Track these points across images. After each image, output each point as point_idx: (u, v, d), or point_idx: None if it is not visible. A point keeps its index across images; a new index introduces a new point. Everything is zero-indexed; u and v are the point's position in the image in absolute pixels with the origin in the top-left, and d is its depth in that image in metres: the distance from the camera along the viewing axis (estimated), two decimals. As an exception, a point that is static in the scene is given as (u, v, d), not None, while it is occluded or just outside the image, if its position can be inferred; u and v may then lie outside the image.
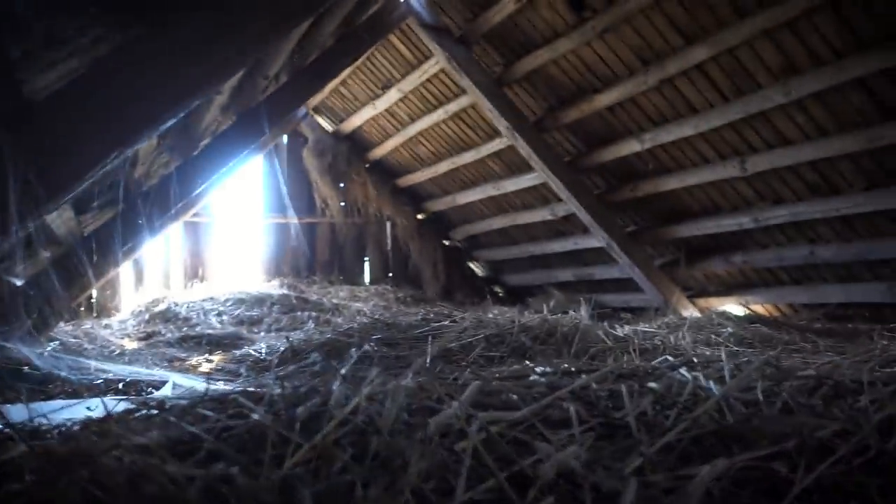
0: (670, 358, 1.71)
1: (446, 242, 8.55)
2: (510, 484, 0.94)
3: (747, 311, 5.34)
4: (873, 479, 0.84)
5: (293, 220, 8.13)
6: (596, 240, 5.91)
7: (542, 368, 1.52)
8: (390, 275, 8.60)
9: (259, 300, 6.44)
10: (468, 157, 6.77)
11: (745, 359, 1.71)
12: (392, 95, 6.76)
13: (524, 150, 5.69)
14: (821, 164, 4.27)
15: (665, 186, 5.22)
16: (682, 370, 1.36)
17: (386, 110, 7.14)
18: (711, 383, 1.24)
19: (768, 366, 1.38)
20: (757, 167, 4.50)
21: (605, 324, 3.46)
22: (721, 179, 4.85)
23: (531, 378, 1.41)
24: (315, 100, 7.74)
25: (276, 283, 7.67)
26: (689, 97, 4.57)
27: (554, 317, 3.22)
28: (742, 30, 3.88)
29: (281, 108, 4.94)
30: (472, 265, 8.62)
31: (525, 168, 6.13)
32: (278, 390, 1.17)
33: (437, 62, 5.82)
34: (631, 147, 5.14)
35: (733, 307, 5.48)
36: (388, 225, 8.58)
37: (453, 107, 6.30)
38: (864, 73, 3.61)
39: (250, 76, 4.74)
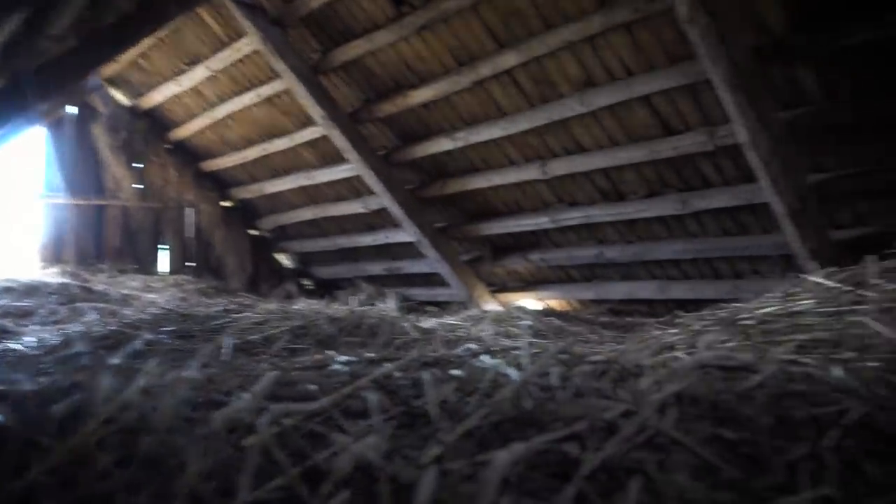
0: (473, 346, 1.74)
1: (253, 232, 8.17)
2: (304, 480, 0.88)
3: (543, 306, 5.70)
4: (652, 456, 0.89)
5: (78, 201, 7.29)
6: (407, 234, 5.97)
7: (344, 358, 1.46)
8: (191, 265, 8.04)
9: (32, 289, 5.67)
10: (280, 144, 6.51)
11: (540, 350, 1.80)
12: (199, 73, 6.31)
13: (339, 140, 5.59)
14: (611, 172, 4.66)
15: (473, 185, 5.41)
16: (484, 358, 1.38)
17: (192, 88, 6.65)
18: (511, 370, 1.26)
19: (563, 353, 1.45)
20: (556, 171, 4.81)
21: (412, 316, 3.49)
22: (524, 181, 5.12)
23: (332, 367, 1.35)
24: (110, 70, 7.01)
25: (55, 270, 6.82)
26: (499, 100, 4.76)
27: (361, 308, 3.18)
28: (548, 41, 4.11)
29: (66, 74, 4.36)
30: (279, 256, 8.33)
31: (339, 159, 6.02)
32: (30, 386, 0.99)
33: (250, 42, 5.53)
34: (444, 145, 5.25)
35: (531, 302, 5.83)
36: (190, 211, 8.01)
37: (266, 90, 6.02)
38: (649, 92, 4.00)
39: (28, 33, 4.14)
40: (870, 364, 1.16)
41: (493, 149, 5.11)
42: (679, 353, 1.56)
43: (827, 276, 1.76)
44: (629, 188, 4.68)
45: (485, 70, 4.53)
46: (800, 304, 1.63)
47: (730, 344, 1.55)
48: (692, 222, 4.62)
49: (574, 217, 5.04)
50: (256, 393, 1.03)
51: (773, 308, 1.71)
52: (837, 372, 1.15)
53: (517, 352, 1.47)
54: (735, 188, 4.19)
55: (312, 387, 1.16)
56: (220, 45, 5.94)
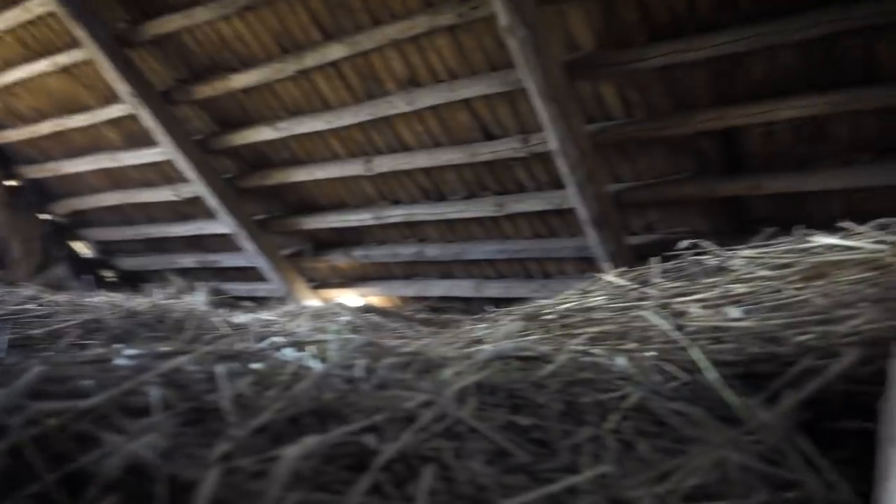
0: (278, 340, 1.68)
1: (45, 216, 7.32)
2: (65, 485, 0.78)
3: (365, 302, 5.69)
4: (449, 444, 0.90)
5: None
6: (223, 226, 5.67)
7: (132, 351, 1.33)
8: (-36, 251, 7.03)
9: None
10: (80, 120, 5.88)
11: (347, 343, 1.78)
12: (-21, 32, 5.53)
13: (148, 121, 5.17)
14: (433, 172, 4.76)
15: (296, 177, 5.26)
16: (287, 351, 1.33)
17: (-31, 48, 5.81)
18: (314, 362, 1.23)
19: (370, 345, 1.44)
20: (380, 168, 4.82)
21: (224, 311, 3.31)
22: (348, 176, 5.08)
23: (116, 362, 1.23)
24: None
25: None
26: (324, 93, 4.67)
27: (166, 302, 2.95)
28: (375, 36, 4.10)
29: None
30: (76, 244, 7.54)
31: (148, 141, 5.56)
32: None
33: (44, 3, 4.94)
34: (265, 134, 5.05)
35: (353, 298, 5.79)
36: (-35, 190, 6.99)
37: (64, 59, 5.40)
38: (471, 96, 4.13)
39: None
40: (647, 353, 1.28)
41: (318, 142, 5.00)
42: (485, 346, 1.62)
43: (618, 276, 1.91)
44: (450, 189, 4.81)
45: (310, 60, 4.42)
46: (594, 301, 1.77)
47: (532, 336, 1.64)
48: (507, 224, 4.85)
49: (397, 215, 5.08)
50: (14, 390, 0.90)
51: (571, 304, 1.84)
52: (621, 361, 1.26)
53: (324, 345, 1.43)
54: (546, 193, 4.46)
55: (88, 383, 1.04)
56: (8, 3, 5.24)
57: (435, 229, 5.13)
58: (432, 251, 5.18)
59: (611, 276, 1.81)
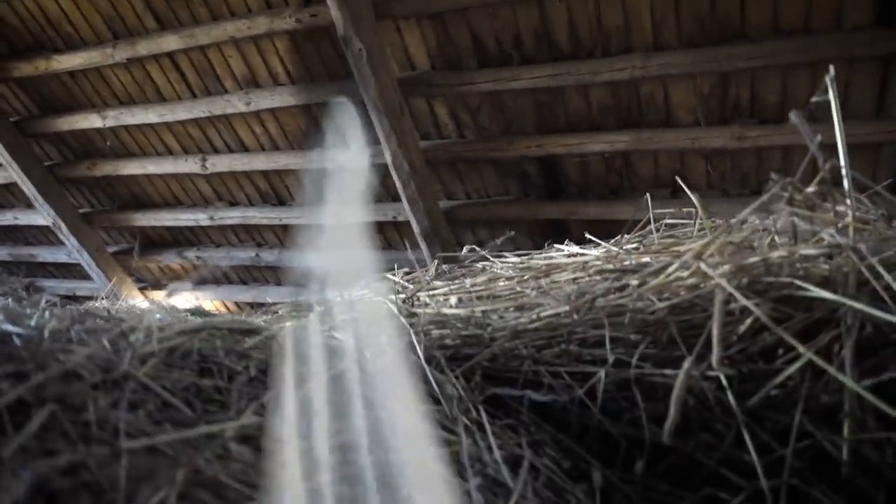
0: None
1: None
2: None
3: (197, 306, 5.48)
4: (107, 396, 0.89)
5: None
6: (41, 216, 5.27)
7: None
8: None
9: None
10: None
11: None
12: None
13: (-43, 96, 4.74)
14: (271, 175, 4.71)
15: (126, 170, 5.01)
16: None
17: None
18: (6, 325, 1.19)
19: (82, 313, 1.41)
20: (216, 167, 4.70)
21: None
22: (183, 173, 4.91)
23: None
24: None
25: None
26: (158, 84, 4.50)
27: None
28: (213, 32, 4.02)
29: None
30: None
31: (-43, 119, 5.09)
32: None
33: None
34: (92, 121, 4.77)
35: (185, 301, 5.57)
36: None
37: None
38: (310, 102, 4.15)
39: None
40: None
41: (150, 135, 4.80)
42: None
43: (401, 276, 2.01)
44: (288, 193, 4.78)
45: (143, 49, 4.24)
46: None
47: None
48: (344, 233, 4.88)
49: (233, 216, 4.97)
50: None
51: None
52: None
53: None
54: (383, 206, 4.54)
55: None
56: None
57: (272, 233, 5.07)
58: (269, 256, 5.11)
59: (394, 276, 1.90)
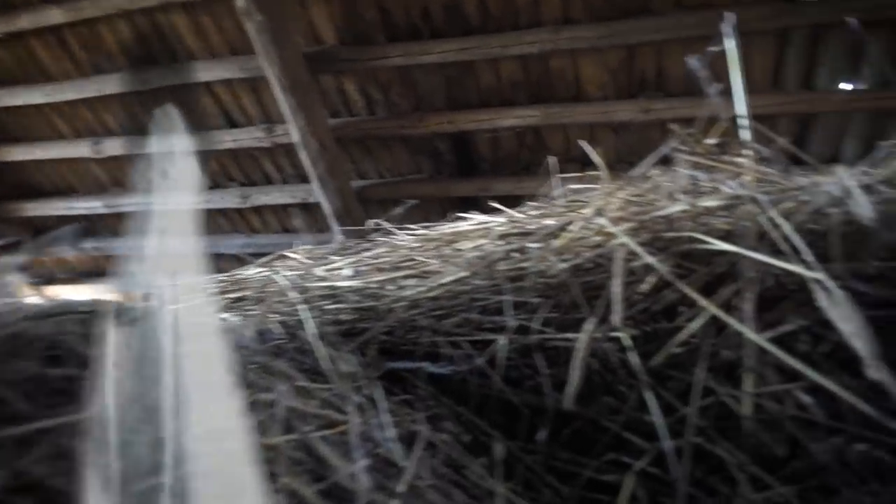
0: None
1: None
2: None
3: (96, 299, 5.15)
4: None
5: None
6: (-86, 208, 4.82)
7: None
8: None
9: None
10: None
11: None
12: None
13: None
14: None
15: (10, 157, 4.62)
16: None
17: None
18: None
19: None
20: (111, 151, 4.40)
21: None
22: (75, 158, 4.57)
23: None
24: None
25: None
26: (43, 61, 4.15)
27: None
28: (101, 4, 3.74)
29: None
30: None
31: None
32: None
33: None
34: (-32, 103, 4.38)
35: (86, 295, 5.22)
36: None
37: None
38: (212, 79, 3.93)
39: None
40: (271, 315, 1.27)
41: (37, 117, 4.44)
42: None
43: (303, 253, 1.90)
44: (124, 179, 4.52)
45: (25, 22, 3.91)
46: (266, 274, 1.74)
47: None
48: (254, 217, 4.69)
49: (132, 203, 4.66)
50: None
51: (248, 276, 1.79)
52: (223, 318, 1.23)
53: None
54: (292, 187, 4.38)
55: None
56: None
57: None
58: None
59: (296, 254, 1.78)
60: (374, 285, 1.17)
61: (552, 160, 1.56)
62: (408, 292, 1.14)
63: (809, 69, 3.29)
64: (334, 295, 1.21)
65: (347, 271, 1.24)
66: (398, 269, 1.25)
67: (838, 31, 3.13)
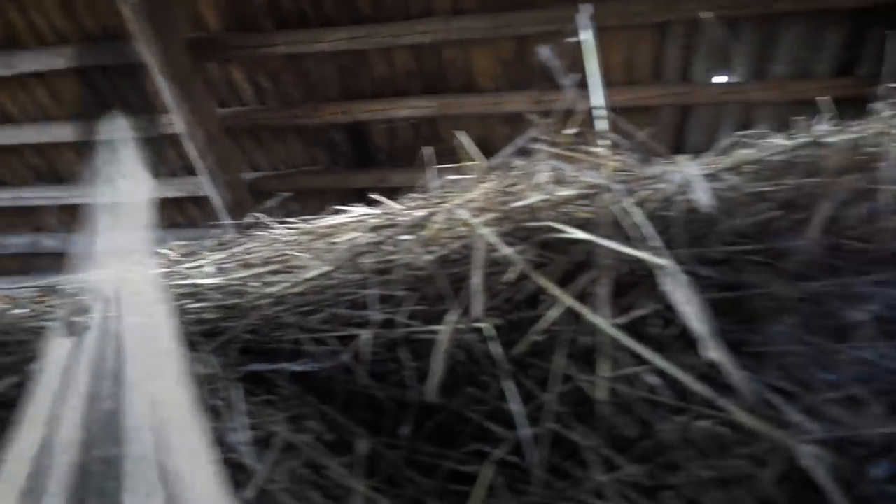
0: None
1: None
2: None
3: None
4: None
5: None
6: None
7: None
8: None
9: None
10: None
11: None
12: None
13: None
14: (46, 149, 4.16)
15: None
16: None
17: None
18: None
19: None
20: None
21: None
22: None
23: None
24: None
25: None
26: None
27: None
28: (-44, -20, 3.43)
29: None
30: None
31: None
32: None
33: None
34: None
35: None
36: None
37: None
38: (85, 65, 3.69)
39: None
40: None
41: None
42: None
43: (176, 249, 1.82)
44: (68, 169, 4.25)
45: None
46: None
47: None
48: (140, 212, 4.45)
49: (2, 198, 4.34)
50: None
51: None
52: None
53: None
54: (180, 179, 4.19)
55: None
56: None
57: (53, 216, 4.49)
58: (51, 241, 4.53)
59: (169, 250, 1.70)
60: (238, 282, 1.12)
61: (428, 151, 1.55)
62: (273, 288, 1.10)
63: (688, 62, 3.45)
64: (196, 293, 1.15)
65: (210, 268, 1.18)
66: (267, 264, 1.21)
67: (714, 25, 3.29)
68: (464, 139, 1.47)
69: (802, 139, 1.05)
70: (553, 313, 0.97)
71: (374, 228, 1.18)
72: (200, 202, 4.24)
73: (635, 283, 0.99)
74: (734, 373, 0.79)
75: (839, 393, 0.90)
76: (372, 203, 1.78)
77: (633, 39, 3.33)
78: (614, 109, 3.55)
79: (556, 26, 3.29)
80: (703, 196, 0.91)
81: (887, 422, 0.83)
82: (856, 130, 1.09)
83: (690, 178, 0.95)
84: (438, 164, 1.68)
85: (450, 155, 3.92)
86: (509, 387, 0.93)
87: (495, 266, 1.04)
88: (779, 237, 1.02)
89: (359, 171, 4.09)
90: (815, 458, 0.70)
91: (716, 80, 3.50)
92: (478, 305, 0.94)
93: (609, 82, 3.60)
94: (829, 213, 1.05)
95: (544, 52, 1.03)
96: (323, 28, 3.48)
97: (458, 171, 1.45)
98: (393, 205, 1.48)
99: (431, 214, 1.08)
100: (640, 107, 3.52)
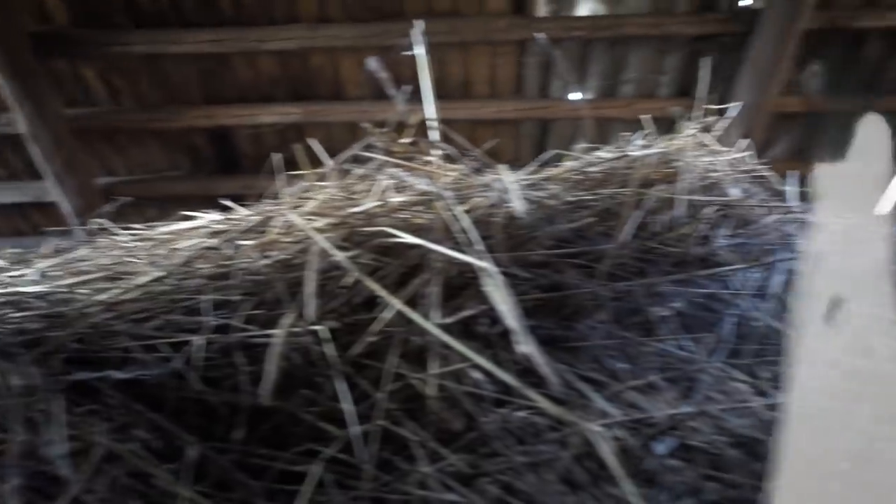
0: None
1: None
2: None
3: None
4: None
5: None
6: None
7: None
8: None
9: None
10: None
11: None
12: None
13: None
14: None
15: None
16: None
17: None
18: None
19: None
20: None
21: None
22: None
23: None
24: None
25: None
26: None
27: None
28: None
29: None
30: None
31: None
32: None
33: None
34: None
35: None
36: None
37: None
38: None
39: None
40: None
41: None
42: None
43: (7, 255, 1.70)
44: None
45: None
46: None
47: None
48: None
49: None
50: None
51: None
52: None
53: None
54: (23, 184, 3.90)
55: None
56: None
57: None
58: None
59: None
60: (65, 289, 1.07)
61: (276, 157, 1.55)
62: (103, 296, 1.07)
63: (546, 79, 3.64)
64: (18, 302, 1.10)
65: (33, 276, 1.13)
66: (102, 270, 1.16)
67: (568, 44, 3.50)
68: (315, 146, 1.48)
69: (614, 154, 1.16)
70: (386, 315, 1.01)
71: (213, 234, 1.17)
72: (47, 208, 3.96)
73: (465, 285, 1.05)
74: (543, 365, 0.86)
75: (640, 381, 1.00)
76: (224, 209, 1.76)
77: (496, 55, 3.47)
78: (479, 122, 3.67)
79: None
80: (518, 203, 0.98)
81: (676, 404, 0.94)
82: (662, 147, 1.21)
83: (508, 186, 1.02)
84: (293, 170, 1.69)
85: (316, 163, 3.91)
86: (342, 387, 0.95)
87: (335, 270, 1.07)
88: (594, 242, 1.12)
89: (224, 178, 3.98)
90: (602, 438, 0.78)
91: (571, 97, 3.72)
92: (311, 309, 0.96)
93: (473, 95, 3.74)
94: (639, 220, 1.16)
95: (373, 64, 1.07)
96: (184, 29, 3.37)
97: (306, 178, 1.46)
98: (242, 211, 1.48)
99: (268, 219, 1.09)
100: (504, 120, 3.67)
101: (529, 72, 3.62)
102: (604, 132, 3.80)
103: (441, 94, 3.77)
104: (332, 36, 3.38)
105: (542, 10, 3.43)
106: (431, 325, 0.94)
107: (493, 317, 1.04)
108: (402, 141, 1.12)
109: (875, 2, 3.31)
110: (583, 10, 3.48)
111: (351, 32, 3.35)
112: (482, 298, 1.04)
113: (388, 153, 1.09)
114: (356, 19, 3.34)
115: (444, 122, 3.97)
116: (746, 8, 3.29)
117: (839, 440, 0.70)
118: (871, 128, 0.76)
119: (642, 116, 1.61)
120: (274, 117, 3.67)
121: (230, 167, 3.99)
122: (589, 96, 3.78)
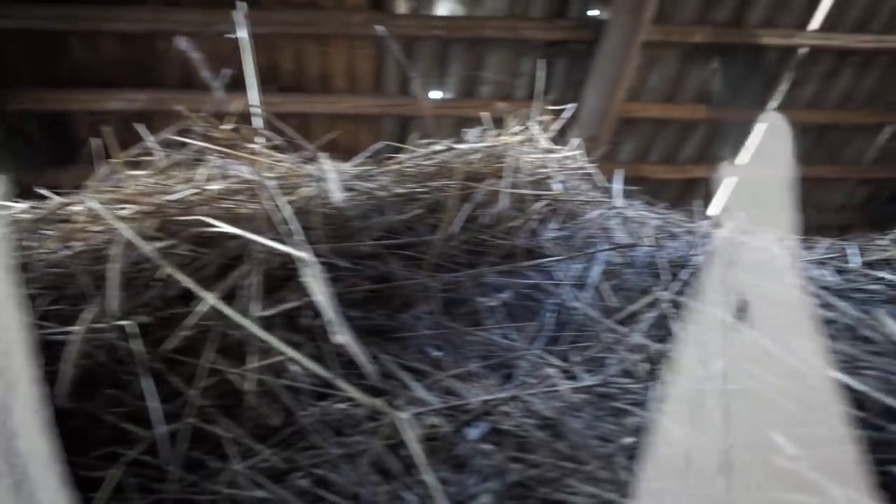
0: None
1: None
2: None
3: None
4: None
5: None
6: None
7: None
8: None
9: None
10: None
11: None
12: None
13: None
14: None
15: None
16: None
17: None
18: None
19: None
20: None
21: None
22: None
23: None
24: None
25: None
26: None
27: None
28: None
29: None
30: None
31: None
32: None
33: None
34: None
35: None
36: None
37: None
38: None
39: None
40: None
41: None
42: None
43: None
44: None
45: None
46: None
47: None
48: None
49: None
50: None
51: None
52: None
53: None
54: None
55: None
56: None
57: None
58: None
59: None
60: None
61: (96, 143, 1.45)
62: None
63: (406, 76, 3.66)
64: None
65: None
66: None
67: (428, 43, 3.54)
68: (107, 133, 1.40)
69: (444, 147, 1.18)
70: (201, 308, 0.96)
71: (13, 223, 1.07)
72: None
73: (288, 277, 1.03)
74: (359, 355, 0.85)
75: (461, 369, 1.02)
76: (41, 199, 1.62)
77: (354, 49, 3.45)
78: (338, 116, 3.62)
79: (273, 29, 3.29)
80: (336, 193, 0.97)
81: (492, 390, 0.96)
82: (492, 143, 1.25)
83: (328, 176, 1.01)
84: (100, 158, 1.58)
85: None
86: (149, 385, 0.90)
87: (147, 262, 1.01)
88: (422, 233, 1.13)
89: (62, 170, 3.66)
90: (409, 426, 0.79)
91: (431, 95, 3.76)
92: (114, 303, 0.90)
93: (332, 90, 3.69)
94: (467, 213, 1.18)
95: (183, 44, 1.02)
96: (12, 2, 3.08)
97: (119, 164, 1.37)
98: (57, 200, 1.36)
99: (66, 207, 1.00)
100: (364, 115, 3.65)
101: (389, 68, 3.63)
102: (462, 130, 3.88)
103: (299, 87, 3.71)
104: (179, 21, 3.21)
105: (401, 7, 3.44)
106: (246, 318, 0.91)
107: (317, 309, 1.02)
108: (224, 127, 1.07)
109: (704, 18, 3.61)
110: (442, 9, 3.53)
111: (198, 17, 3.20)
112: (305, 290, 1.02)
113: (209, 140, 1.04)
114: (206, 4, 3.20)
115: (301, 115, 3.91)
116: (594, 18, 3.48)
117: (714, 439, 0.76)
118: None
119: (493, 114, 1.65)
120: (119, 104, 3.44)
121: (70, 157, 3.69)
122: (449, 95, 3.85)
